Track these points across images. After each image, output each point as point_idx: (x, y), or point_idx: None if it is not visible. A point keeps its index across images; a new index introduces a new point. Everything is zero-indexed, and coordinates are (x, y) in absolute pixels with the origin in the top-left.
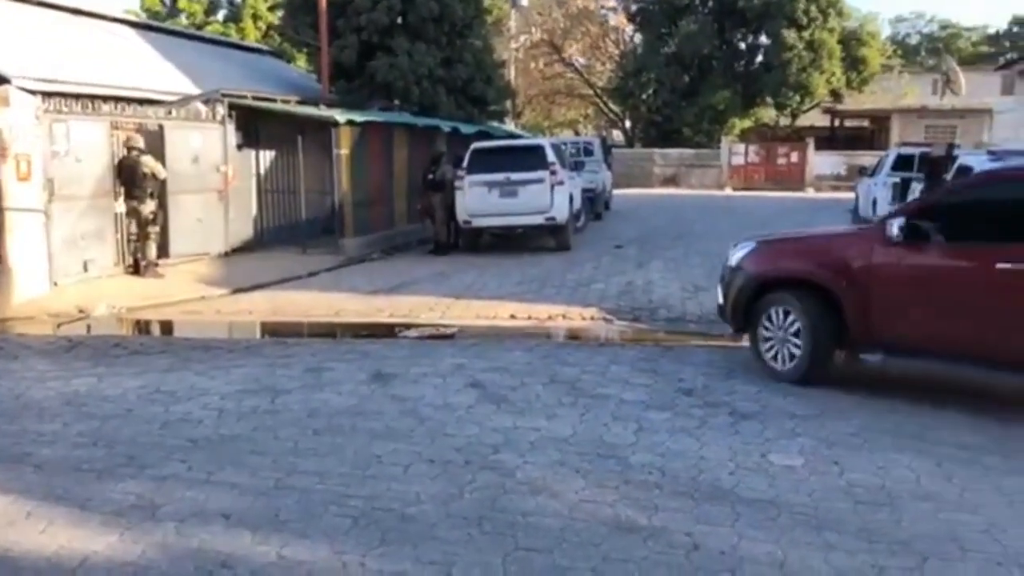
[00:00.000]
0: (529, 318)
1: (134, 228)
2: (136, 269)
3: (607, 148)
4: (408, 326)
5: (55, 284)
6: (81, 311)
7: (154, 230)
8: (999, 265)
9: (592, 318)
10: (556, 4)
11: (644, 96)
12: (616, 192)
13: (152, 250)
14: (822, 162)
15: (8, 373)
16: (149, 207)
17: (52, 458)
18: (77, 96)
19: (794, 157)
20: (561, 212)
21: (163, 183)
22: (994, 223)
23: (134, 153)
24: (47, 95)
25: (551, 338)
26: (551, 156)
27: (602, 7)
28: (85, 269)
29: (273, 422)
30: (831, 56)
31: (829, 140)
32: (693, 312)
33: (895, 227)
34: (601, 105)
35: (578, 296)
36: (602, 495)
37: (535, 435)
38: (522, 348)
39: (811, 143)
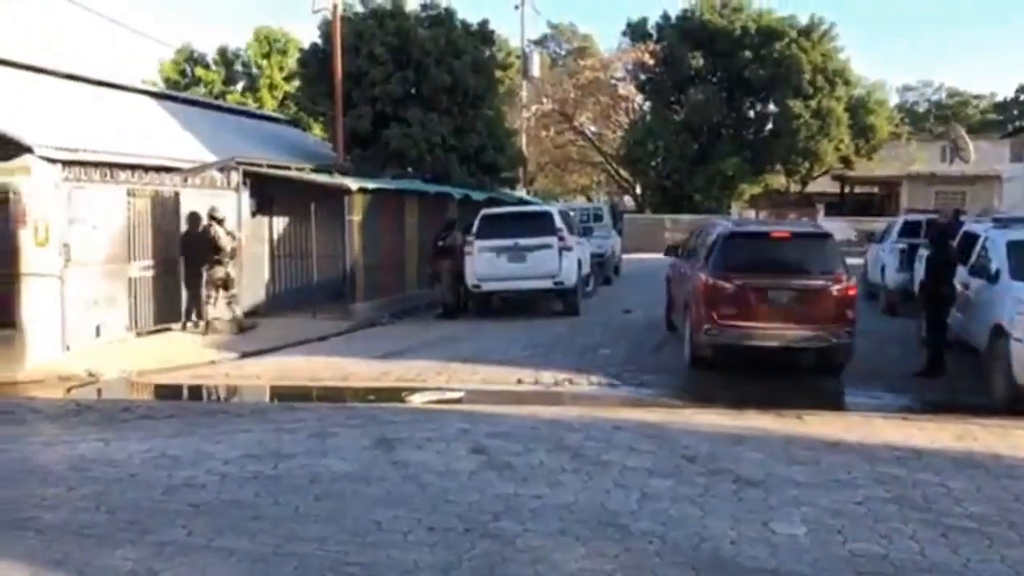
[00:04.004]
0: (536, 383)
1: (205, 290)
2: (207, 326)
3: (617, 214)
4: (414, 390)
5: (67, 348)
6: (91, 375)
7: (226, 293)
8: None
9: (599, 384)
10: (567, 75)
11: (653, 163)
12: (626, 257)
13: (215, 311)
14: (832, 227)
15: (16, 438)
16: (219, 272)
17: (54, 523)
18: (96, 164)
19: (830, 230)
20: (569, 276)
21: (232, 251)
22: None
23: (211, 223)
24: (67, 163)
25: (557, 404)
26: (559, 222)
27: (612, 77)
28: (97, 333)
29: (275, 488)
30: (839, 124)
31: (839, 206)
32: (700, 378)
33: None
34: (612, 172)
35: (585, 361)
36: (601, 564)
37: (537, 503)
38: (527, 413)
39: (821, 209)
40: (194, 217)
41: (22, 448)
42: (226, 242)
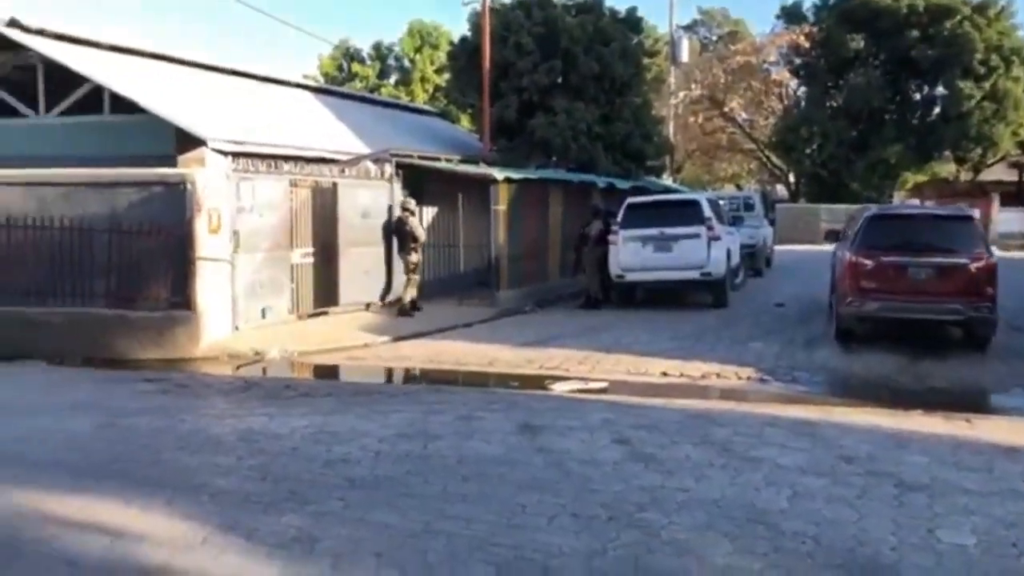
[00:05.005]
0: (681, 376)
1: (402, 275)
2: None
3: (769, 203)
4: (557, 379)
5: (236, 328)
6: (257, 354)
7: (414, 278)
8: None
9: (748, 378)
10: (717, 60)
11: (808, 150)
12: (778, 248)
13: (410, 294)
14: (1008, 219)
15: (193, 409)
16: (412, 259)
17: (226, 489)
18: (261, 156)
19: (975, 214)
20: (718, 268)
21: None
22: None
23: (406, 214)
24: (236, 155)
25: (704, 397)
26: (707, 211)
27: (764, 62)
28: (263, 315)
29: (425, 467)
30: (1017, 107)
31: (1017, 196)
32: (859, 375)
33: None
34: (764, 159)
35: (734, 355)
36: (750, 561)
37: (683, 496)
38: (673, 406)
39: (996, 199)
40: (391, 209)
41: (198, 420)
42: (420, 232)
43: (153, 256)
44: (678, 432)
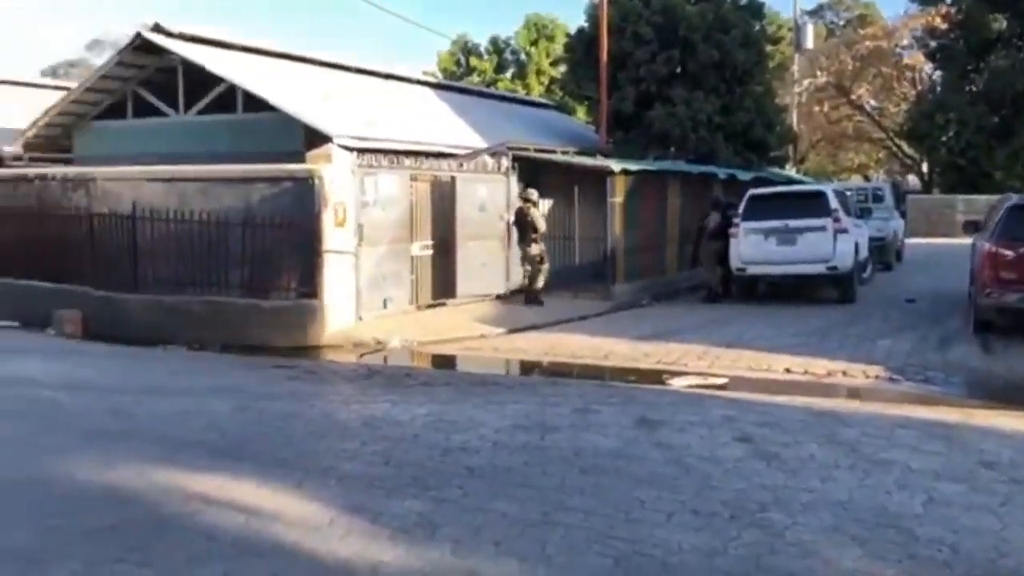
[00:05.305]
0: (805, 373)
1: (526, 266)
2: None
3: (900, 194)
4: (675, 373)
5: (360, 318)
6: (379, 343)
7: (540, 268)
8: None
9: (877, 377)
10: (844, 46)
11: (944, 138)
12: (910, 241)
13: (537, 284)
14: None
15: (321, 395)
16: (534, 250)
17: (351, 473)
18: (384, 151)
19: None
20: (844, 261)
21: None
22: None
23: (527, 205)
24: (360, 151)
25: (830, 396)
26: (833, 202)
27: (896, 46)
28: (384, 306)
29: (542, 458)
30: None
31: None
32: (1000, 375)
33: None
34: (894, 148)
35: (862, 352)
36: (881, 568)
37: (807, 496)
38: (796, 404)
39: None
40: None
41: (325, 405)
42: (541, 223)
43: (283, 248)
44: (802, 431)
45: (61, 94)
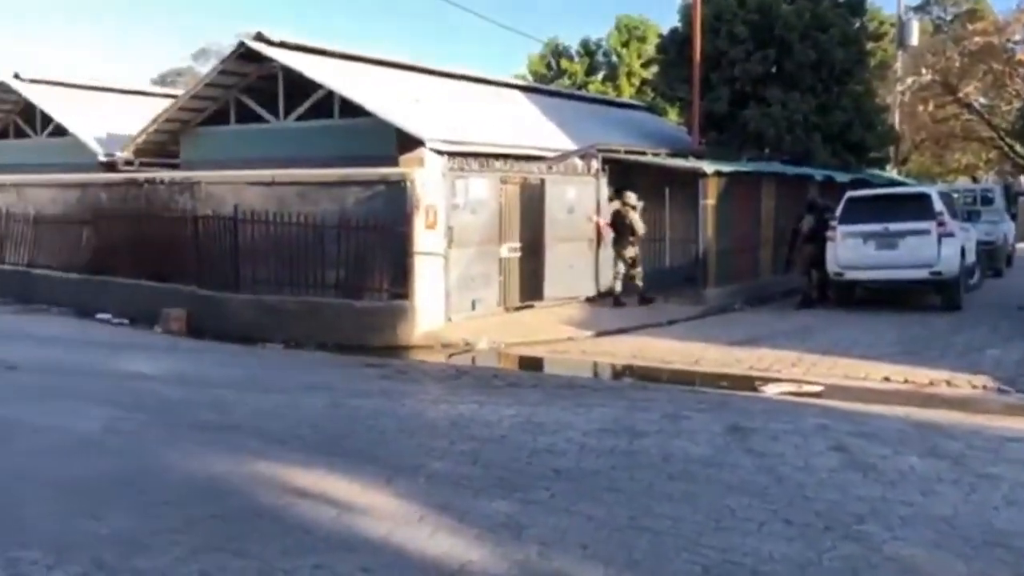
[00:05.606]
0: (906, 382)
1: (621, 268)
2: (616, 301)
3: (1011, 196)
4: (768, 380)
5: (449, 319)
6: (467, 344)
7: (633, 271)
8: None
9: (984, 387)
10: (951, 42)
11: None
12: (1021, 246)
13: (637, 283)
14: None
15: (411, 395)
16: (629, 252)
17: (440, 471)
18: (475, 155)
19: None
20: (949, 266)
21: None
22: None
23: (625, 208)
24: (450, 155)
25: (932, 406)
26: (938, 205)
27: (1008, 41)
28: (473, 307)
29: (630, 462)
30: None
31: None
32: None
33: None
34: (1005, 148)
35: (967, 362)
36: None
37: (907, 510)
38: (896, 414)
39: None
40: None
41: (415, 404)
42: (640, 226)
43: (376, 250)
44: (901, 442)
45: (169, 102)
